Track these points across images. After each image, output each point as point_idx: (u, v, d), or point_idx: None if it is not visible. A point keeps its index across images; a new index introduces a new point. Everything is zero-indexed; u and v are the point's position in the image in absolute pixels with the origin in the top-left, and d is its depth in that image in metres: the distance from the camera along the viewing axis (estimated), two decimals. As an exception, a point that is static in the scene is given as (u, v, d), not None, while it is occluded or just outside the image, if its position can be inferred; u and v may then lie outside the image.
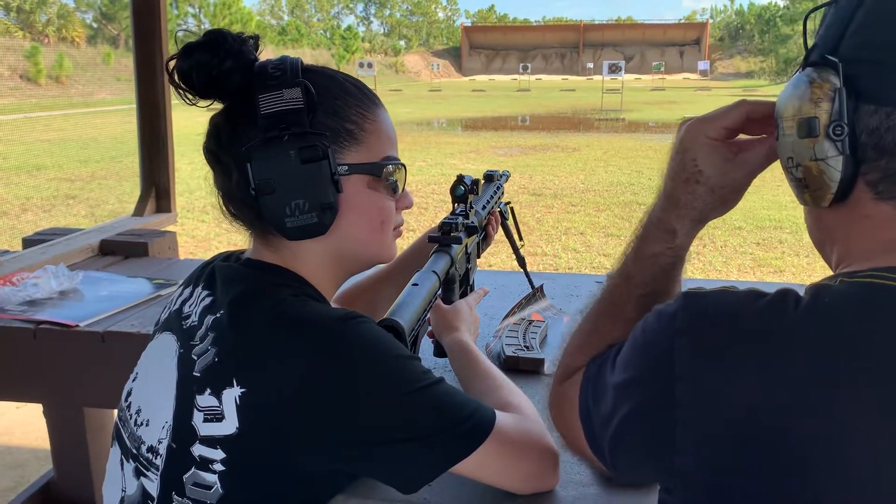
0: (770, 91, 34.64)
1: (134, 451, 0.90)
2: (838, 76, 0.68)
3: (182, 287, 1.02)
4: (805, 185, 0.73)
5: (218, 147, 0.91)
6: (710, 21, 72.37)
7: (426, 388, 0.83)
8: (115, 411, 2.24)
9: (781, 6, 58.14)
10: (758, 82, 49.63)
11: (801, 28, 0.79)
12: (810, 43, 0.74)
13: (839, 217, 0.74)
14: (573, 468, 0.99)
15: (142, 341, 1.64)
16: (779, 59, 53.02)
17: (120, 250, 2.22)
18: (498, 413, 0.88)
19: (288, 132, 0.85)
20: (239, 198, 0.91)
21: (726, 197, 0.80)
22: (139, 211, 2.52)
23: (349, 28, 68.35)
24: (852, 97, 0.67)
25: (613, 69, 24.28)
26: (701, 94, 33.57)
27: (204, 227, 7.07)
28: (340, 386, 0.80)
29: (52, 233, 2.31)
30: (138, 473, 0.89)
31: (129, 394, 0.97)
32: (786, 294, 0.66)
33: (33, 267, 1.95)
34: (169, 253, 2.29)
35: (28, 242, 2.23)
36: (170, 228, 2.50)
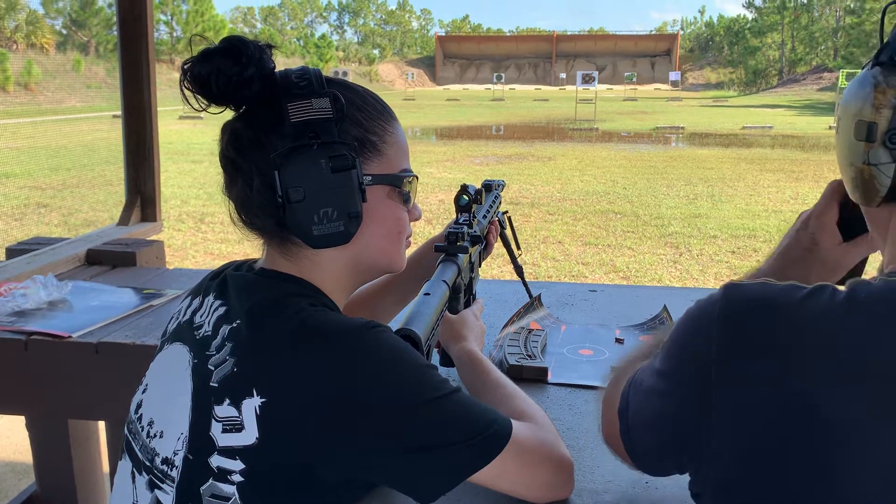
0: (739, 102, 35.16)
1: (147, 463, 0.89)
2: None
3: (190, 297, 1.00)
4: (855, 184, 0.75)
5: (238, 154, 0.90)
6: (681, 32, 73.44)
7: (445, 397, 0.83)
8: (101, 423, 2.20)
9: (750, 18, 59.25)
10: (727, 93, 50.35)
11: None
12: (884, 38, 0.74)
13: (889, 216, 0.76)
14: (587, 477, 1.00)
15: (135, 352, 1.63)
16: (748, 70, 53.90)
17: (107, 260, 2.18)
18: (514, 422, 0.88)
19: (318, 141, 0.86)
20: (259, 205, 0.90)
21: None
22: (124, 220, 2.48)
23: (323, 37, 68.27)
24: None
25: (587, 79, 24.44)
26: (672, 104, 34.02)
27: (180, 237, 6.99)
28: (362, 395, 0.80)
29: (36, 242, 2.27)
30: (152, 486, 0.87)
31: (139, 405, 0.95)
32: (823, 287, 0.68)
33: (20, 277, 1.92)
34: (157, 262, 2.26)
35: (12, 252, 2.19)
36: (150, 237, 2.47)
